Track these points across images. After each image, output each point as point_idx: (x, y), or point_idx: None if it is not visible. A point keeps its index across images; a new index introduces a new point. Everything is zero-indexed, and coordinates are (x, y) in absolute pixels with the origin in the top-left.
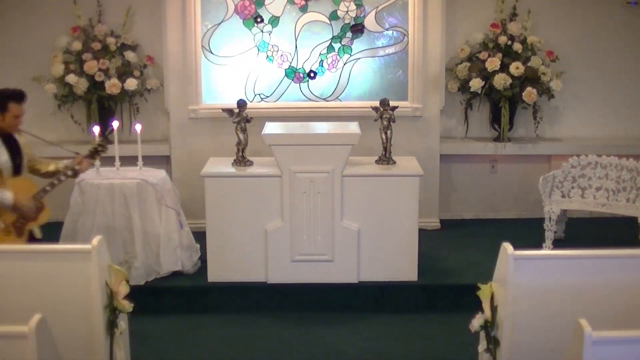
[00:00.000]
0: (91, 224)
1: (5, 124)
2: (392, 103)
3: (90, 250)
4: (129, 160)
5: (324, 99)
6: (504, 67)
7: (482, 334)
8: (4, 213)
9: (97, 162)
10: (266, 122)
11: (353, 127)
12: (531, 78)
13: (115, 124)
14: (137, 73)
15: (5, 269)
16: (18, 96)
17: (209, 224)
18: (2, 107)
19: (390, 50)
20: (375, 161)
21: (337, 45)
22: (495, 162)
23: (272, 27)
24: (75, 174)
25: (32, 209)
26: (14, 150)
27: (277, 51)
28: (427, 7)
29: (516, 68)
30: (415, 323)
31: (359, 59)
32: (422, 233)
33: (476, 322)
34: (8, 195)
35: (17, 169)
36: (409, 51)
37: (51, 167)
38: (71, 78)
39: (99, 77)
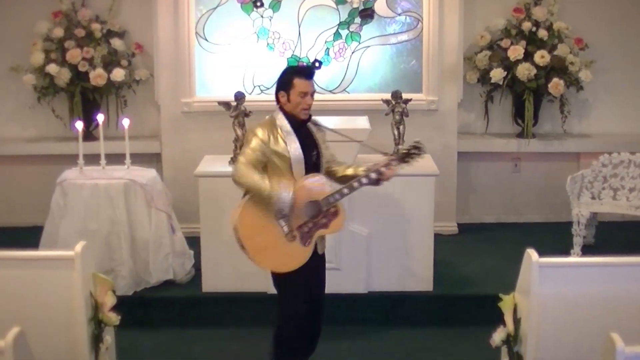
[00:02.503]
0: (74, 229)
1: (292, 105)
2: (405, 95)
3: (73, 257)
4: (115, 159)
5: (330, 91)
6: (528, 56)
7: (504, 350)
8: (288, 214)
9: (81, 162)
10: (266, 117)
11: (362, 122)
12: (558, 68)
13: (101, 119)
14: (124, 63)
15: None
16: (304, 71)
17: (204, 228)
18: (287, 84)
19: (403, 37)
20: None
21: (344, 32)
22: (518, 161)
23: (273, 12)
24: (378, 180)
25: (315, 217)
26: (308, 143)
27: (279, 38)
28: None
29: (541, 57)
30: (430, 337)
31: (369, 47)
32: (438, 238)
33: (497, 336)
34: (286, 196)
35: (313, 166)
36: (424, 38)
37: (349, 171)
38: (52, 68)
39: (83, 67)
